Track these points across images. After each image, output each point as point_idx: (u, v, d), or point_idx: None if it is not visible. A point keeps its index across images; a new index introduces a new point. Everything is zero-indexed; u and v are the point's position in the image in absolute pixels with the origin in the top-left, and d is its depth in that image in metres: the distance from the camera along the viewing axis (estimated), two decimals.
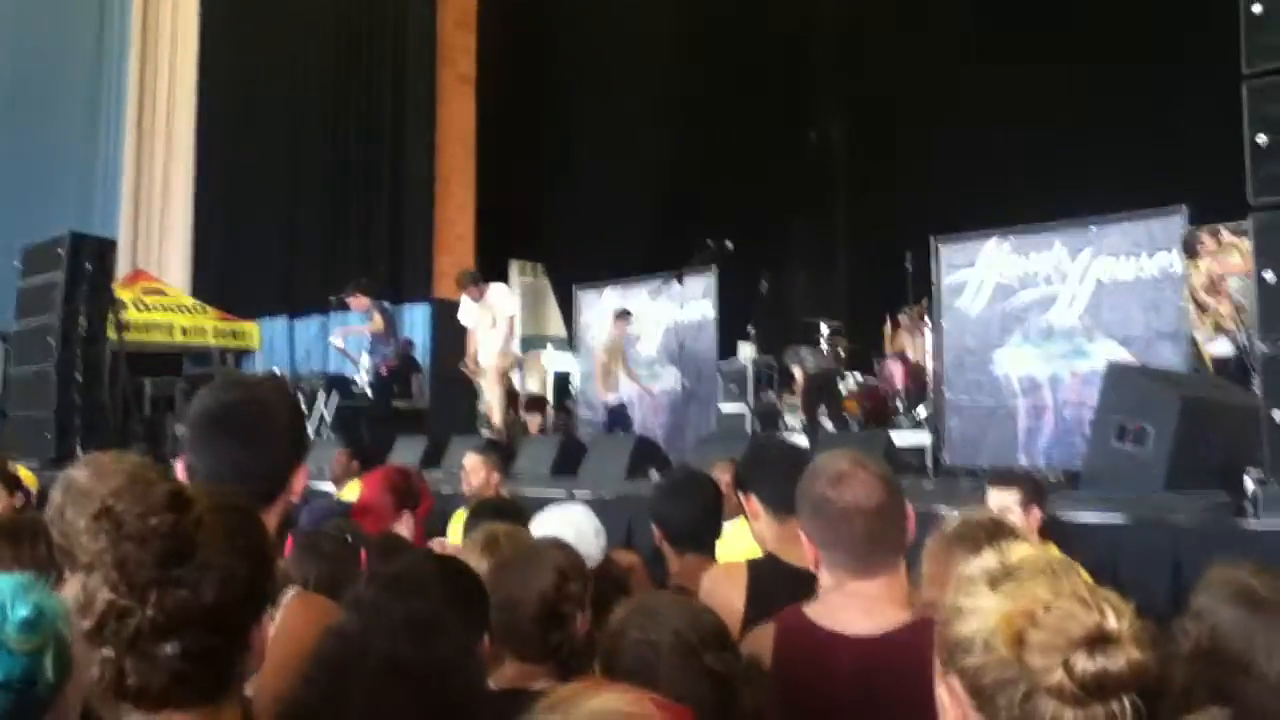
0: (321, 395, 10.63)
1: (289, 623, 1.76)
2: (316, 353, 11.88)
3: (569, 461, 7.62)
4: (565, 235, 14.27)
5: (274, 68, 14.97)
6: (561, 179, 13.92)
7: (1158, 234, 6.96)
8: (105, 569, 1.21)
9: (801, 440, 8.14)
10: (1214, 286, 7.42)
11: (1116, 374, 5.52)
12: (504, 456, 5.93)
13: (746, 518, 2.78)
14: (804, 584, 2.10)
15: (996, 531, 2.32)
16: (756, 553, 2.68)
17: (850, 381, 10.17)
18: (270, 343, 14.39)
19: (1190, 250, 7.03)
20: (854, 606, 1.91)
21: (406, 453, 8.11)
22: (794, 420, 10.13)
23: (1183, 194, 7.10)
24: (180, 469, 1.81)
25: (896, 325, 10.70)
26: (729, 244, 9.51)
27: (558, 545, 2.27)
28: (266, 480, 1.76)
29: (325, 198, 14.14)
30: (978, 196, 10.02)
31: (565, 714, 1.00)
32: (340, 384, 10.70)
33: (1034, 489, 3.94)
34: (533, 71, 13.87)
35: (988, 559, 1.20)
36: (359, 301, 10.00)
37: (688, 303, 9.77)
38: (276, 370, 12.55)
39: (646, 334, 10.19)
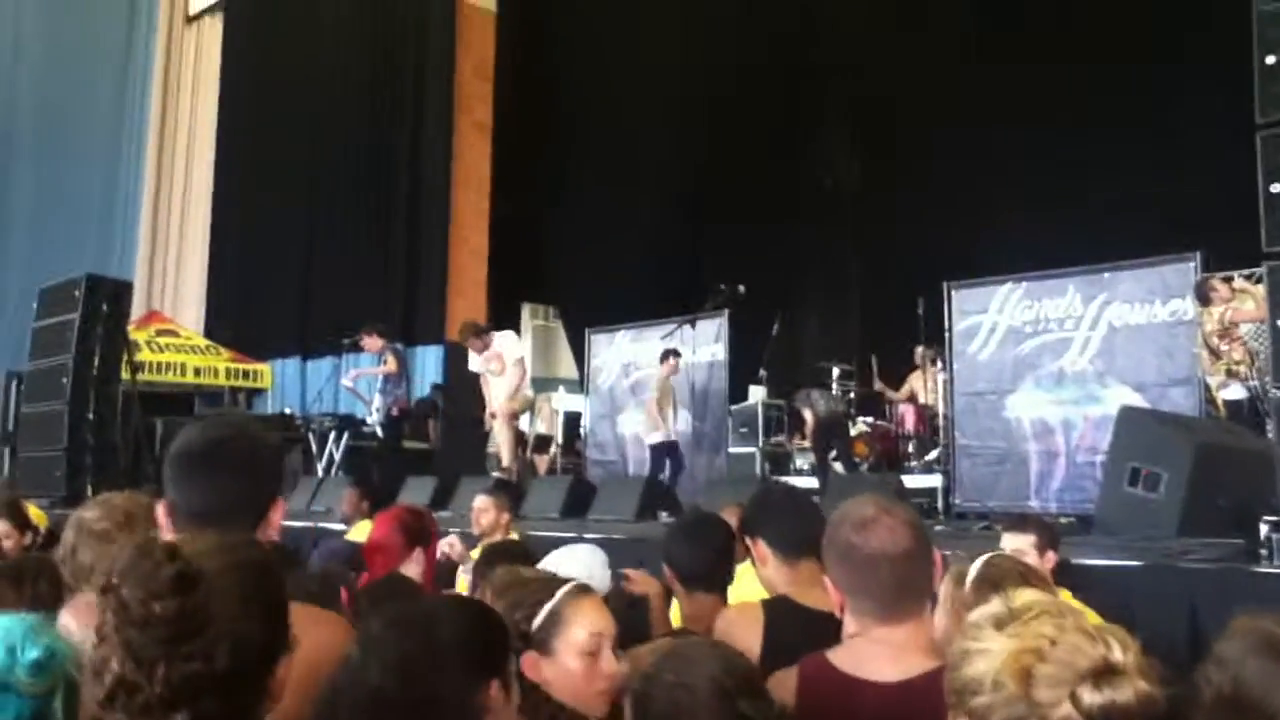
0: (332, 435, 10.65)
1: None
2: (328, 393, 11.91)
3: (578, 502, 7.60)
4: (577, 279, 14.36)
5: (292, 114, 15.15)
6: (574, 223, 14.02)
7: (1171, 281, 6.97)
8: (112, 646, 1.22)
9: (812, 483, 8.13)
10: (1227, 332, 7.42)
11: (1129, 418, 5.50)
12: (514, 497, 5.91)
13: (753, 563, 2.77)
14: (820, 625, 2.09)
15: (1024, 574, 2.31)
16: (762, 596, 2.67)
17: (861, 425, 10.15)
18: (282, 383, 14.45)
19: (1203, 297, 7.04)
20: (880, 654, 1.89)
21: (416, 493, 8.11)
22: (804, 463, 10.11)
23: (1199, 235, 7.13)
24: (161, 510, 1.84)
25: (911, 369, 10.69)
26: (741, 288, 9.54)
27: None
28: (246, 516, 1.79)
29: (340, 240, 14.27)
30: (991, 241, 10.06)
31: None
32: (351, 424, 10.72)
33: (1048, 533, 3.92)
34: (547, 118, 14.04)
35: (994, 604, 1.21)
36: (372, 343, 10.03)
37: (699, 346, 9.79)
38: (287, 410, 12.59)
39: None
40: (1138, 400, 6.78)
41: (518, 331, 12.64)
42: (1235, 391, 7.38)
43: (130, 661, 1.20)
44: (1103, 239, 8.46)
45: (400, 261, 13.51)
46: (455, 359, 11.57)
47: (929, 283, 8.30)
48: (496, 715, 1.56)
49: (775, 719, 1.68)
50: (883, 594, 1.90)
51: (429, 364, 12.89)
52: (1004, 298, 7.61)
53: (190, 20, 18.32)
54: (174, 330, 14.41)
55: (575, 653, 2.09)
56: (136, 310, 13.69)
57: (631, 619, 2.65)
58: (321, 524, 7.78)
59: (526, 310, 16.21)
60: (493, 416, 9.22)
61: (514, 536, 5.31)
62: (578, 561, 2.83)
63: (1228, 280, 7.46)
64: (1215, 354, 7.42)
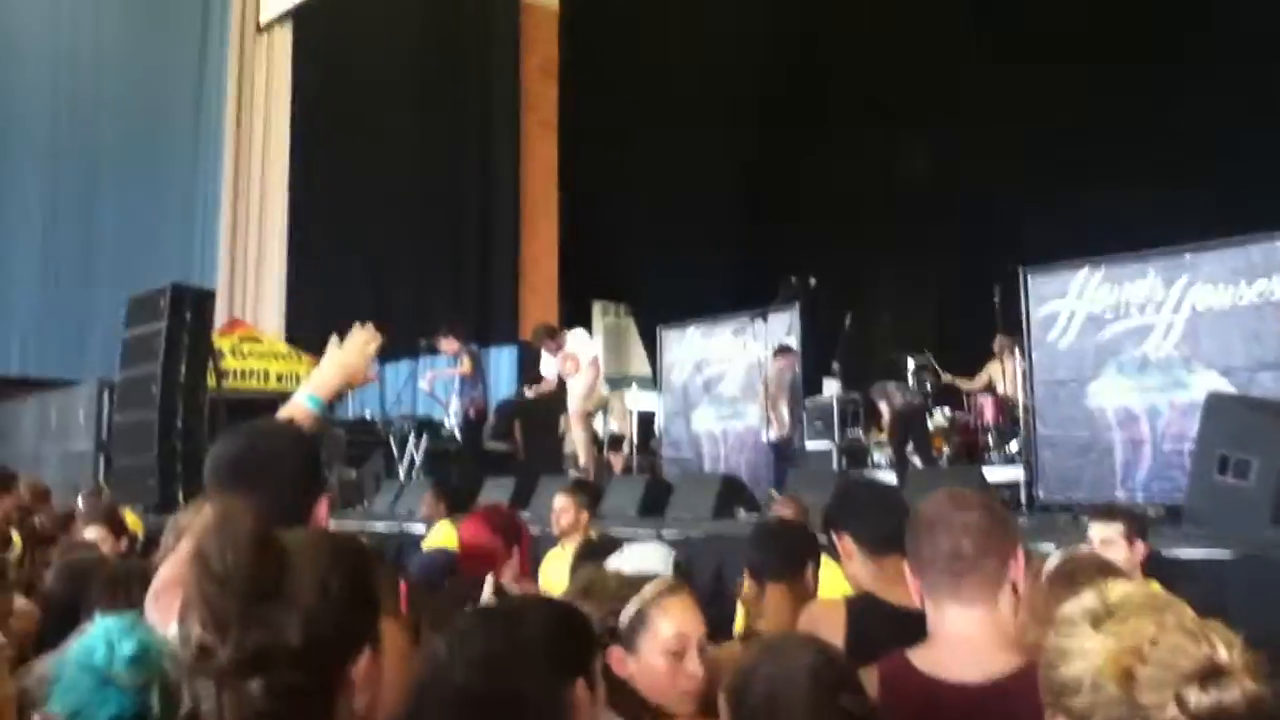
0: (412, 438, 10.81)
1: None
2: (406, 396, 12.10)
3: (656, 501, 7.61)
4: (648, 275, 14.36)
5: (362, 119, 15.41)
6: (643, 219, 14.02)
7: (1257, 260, 6.75)
8: (197, 607, 1.25)
9: (890, 478, 8.04)
10: None
11: (1216, 405, 5.37)
12: (593, 496, 5.95)
13: (837, 559, 2.76)
14: (903, 622, 2.07)
15: (1102, 569, 2.27)
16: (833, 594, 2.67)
17: (939, 417, 10.01)
18: (361, 388, 14.69)
19: None
20: (960, 654, 1.86)
21: (495, 493, 8.20)
22: (881, 457, 10.00)
23: None
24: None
25: (989, 358, 10.51)
26: (812, 280, 9.47)
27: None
28: (284, 524, 1.84)
29: (414, 244, 14.48)
30: (1068, 225, 9.86)
31: None
32: (430, 427, 10.86)
33: (1138, 523, 3.85)
34: (612, 113, 14.05)
35: (1087, 599, 1.19)
36: (449, 344, 10.13)
37: (771, 339, 9.75)
38: (366, 414, 12.81)
39: (730, 373, 10.18)
40: (1225, 385, 6.59)
41: (589, 330, 12.70)
42: None
43: (210, 623, 1.23)
44: (1187, 219, 8.24)
45: (473, 263, 13.68)
46: (529, 359, 11.66)
47: (1006, 270, 8.17)
48: (582, 714, 1.58)
49: (871, 715, 1.67)
50: (946, 565, 1.87)
51: (504, 365, 13.02)
52: (1083, 282, 7.45)
53: (261, 30, 18.73)
54: (256, 337, 14.75)
55: (660, 651, 2.10)
56: (219, 318, 14.05)
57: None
58: (406, 525, 7.91)
59: (597, 307, 16.26)
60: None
61: (593, 536, 5.36)
62: (642, 560, 2.85)
63: None
64: None
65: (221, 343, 12.61)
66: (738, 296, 10.81)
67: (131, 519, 5.94)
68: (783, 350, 9.38)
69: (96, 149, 18.22)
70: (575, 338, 9.42)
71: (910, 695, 1.86)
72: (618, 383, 14.63)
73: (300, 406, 2.34)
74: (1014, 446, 8.90)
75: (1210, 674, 1.03)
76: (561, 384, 9.42)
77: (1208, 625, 1.09)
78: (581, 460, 9.23)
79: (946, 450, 9.71)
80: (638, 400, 13.56)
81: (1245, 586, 4.03)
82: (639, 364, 15.58)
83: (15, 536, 5.12)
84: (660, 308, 12.18)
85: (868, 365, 10.91)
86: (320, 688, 1.28)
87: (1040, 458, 7.48)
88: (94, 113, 18.26)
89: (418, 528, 7.34)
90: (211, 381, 10.11)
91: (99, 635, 1.64)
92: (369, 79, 15.45)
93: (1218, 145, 9.55)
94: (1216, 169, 9.50)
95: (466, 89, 14.10)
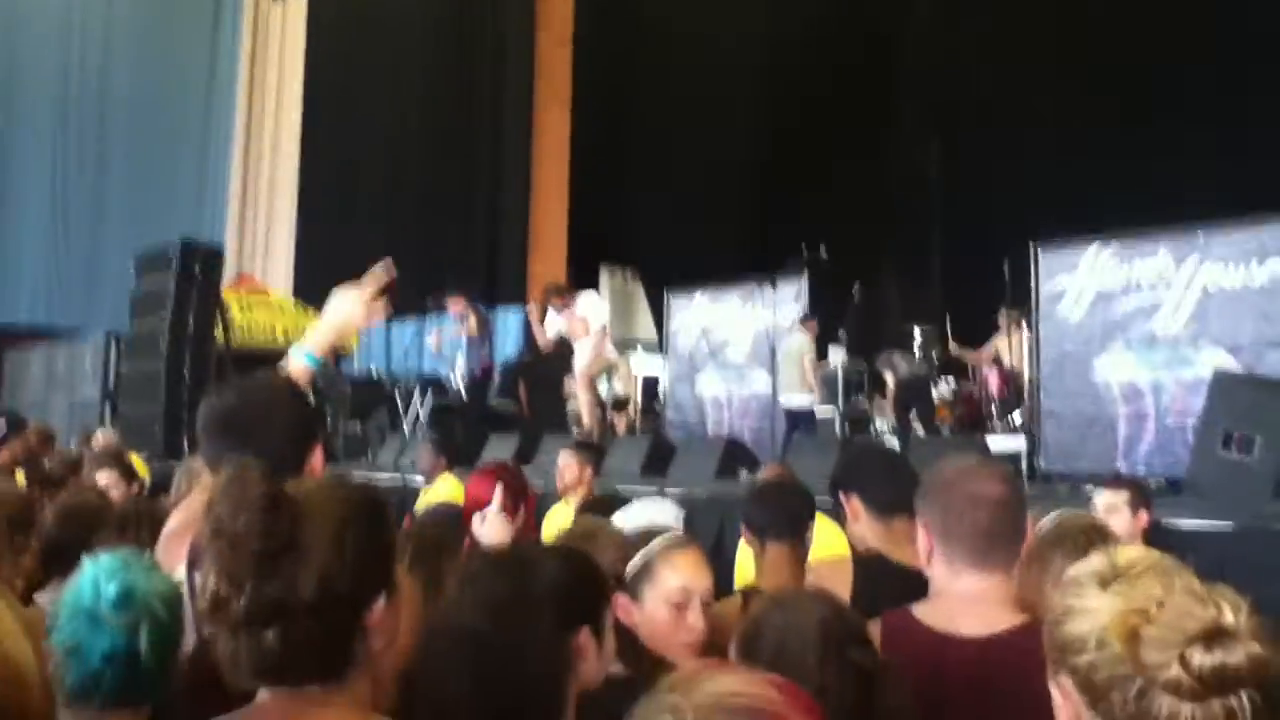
0: (417, 395, 10.84)
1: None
2: (413, 354, 12.12)
3: (659, 461, 7.64)
4: (656, 240, 14.34)
5: (375, 81, 15.36)
6: (653, 185, 14.00)
7: (1268, 241, 6.72)
8: (211, 563, 1.27)
9: (892, 445, 8.06)
10: None
11: (1223, 382, 5.38)
12: (596, 454, 5.97)
13: (843, 520, 2.79)
14: (911, 581, 2.09)
15: (1096, 534, 2.31)
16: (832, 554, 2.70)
17: (943, 388, 10.02)
18: (368, 344, 14.73)
19: None
20: (965, 608, 1.90)
21: (499, 450, 8.23)
22: (884, 425, 10.02)
23: None
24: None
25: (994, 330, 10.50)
26: (823, 250, 9.46)
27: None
28: (271, 472, 1.86)
29: (423, 205, 14.46)
30: (1077, 199, 9.82)
31: (686, 694, 1.01)
32: (435, 384, 10.88)
33: (1142, 492, 3.92)
34: (625, 82, 14.02)
35: (1095, 561, 1.20)
36: (456, 304, 10.14)
37: (779, 307, 9.74)
38: (373, 370, 12.83)
39: (737, 338, 10.19)
40: (1231, 363, 6.58)
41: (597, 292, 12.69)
42: None
43: (224, 578, 1.25)
44: (1198, 198, 8.20)
45: (483, 225, 13.68)
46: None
47: (1015, 244, 8.13)
48: (588, 662, 1.59)
49: (881, 669, 1.70)
50: (976, 539, 1.91)
51: (511, 326, 13.02)
52: (1093, 258, 7.43)
53: None
54: (263, 292, 14.76)
55: (663, 602, 2.13)
56: (227, 273, 14.07)
57: None
58: (409, 476, 7.97)
59: (605, 272, 16.24)
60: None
61: (596, 493, 5.38)
62: (654, 515, 2.88)
63: None
64: None
65: (229, 297, 12.62)
66: (745, 264, 10.79)
67: (139, 464, 5.97)
68: (808, 318, 9.40)
69: (109, 104, 18.18)
70: (586, 301, 9.40)
71: (914, 648, 1.89)
72: (623, 346, 14.64)
73: (297, 362, 2.41)
74: (1017, 418, 8.91)
75: (1215, 636, 1.04)
76: (564, 343, 9.42)
77: (1215, 589, 1.10)
78: (585, 421, 9.26)
79: (950, 420, 9.72)
80: (643, 364, 13.59)
81: (1247, 558, 4.05)
82: (645, 328, 15.58)
83: (20, 478, 5.15)
84: (668, 272, 12.18)
85: (876, 335, 10.91)
86: (335, 636, 1.30)
87: (1043, 429, 7.49)
88: (106, 67, 18.21)
89: (421, 480, 7.38)
90: (219, 335, 10.15)
91: (88, 576, 1.68)
92: (382, 46, 15.39)
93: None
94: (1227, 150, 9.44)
95: (481, 56, 14.07)
